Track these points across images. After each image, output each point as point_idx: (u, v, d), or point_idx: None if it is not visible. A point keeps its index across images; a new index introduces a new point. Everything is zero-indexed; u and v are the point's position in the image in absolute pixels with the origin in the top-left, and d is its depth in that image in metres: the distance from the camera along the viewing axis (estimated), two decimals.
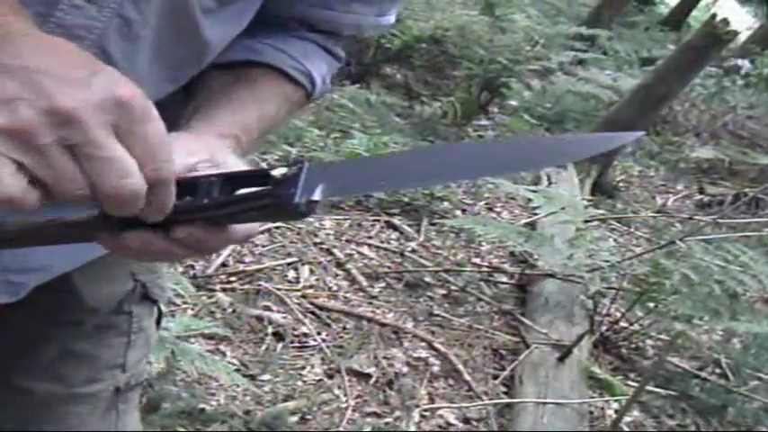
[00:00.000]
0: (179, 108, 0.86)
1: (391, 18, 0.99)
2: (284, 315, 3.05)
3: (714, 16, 5.06)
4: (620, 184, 6.06)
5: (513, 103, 6.20)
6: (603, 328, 3.52)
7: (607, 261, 3.57)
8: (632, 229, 5.02)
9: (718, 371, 3.53)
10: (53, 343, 0.99)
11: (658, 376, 3.34)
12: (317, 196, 0.63)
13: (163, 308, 1.12)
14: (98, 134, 0.56)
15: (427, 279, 3.64)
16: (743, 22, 18.10)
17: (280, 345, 2.91)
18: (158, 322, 1.12)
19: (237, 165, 0.72)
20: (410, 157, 0.71)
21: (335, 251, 3.61)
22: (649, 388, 3.21)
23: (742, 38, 15.31)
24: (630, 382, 3.25)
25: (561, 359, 3.03)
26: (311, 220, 3.80)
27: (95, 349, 1.02)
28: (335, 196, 0.60)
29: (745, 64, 8.62)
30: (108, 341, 1.03)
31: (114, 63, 0.73)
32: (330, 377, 2.82)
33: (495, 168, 0.72)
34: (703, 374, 3.44)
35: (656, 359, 3.43)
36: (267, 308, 3.07)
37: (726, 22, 4.92)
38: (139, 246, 0.64)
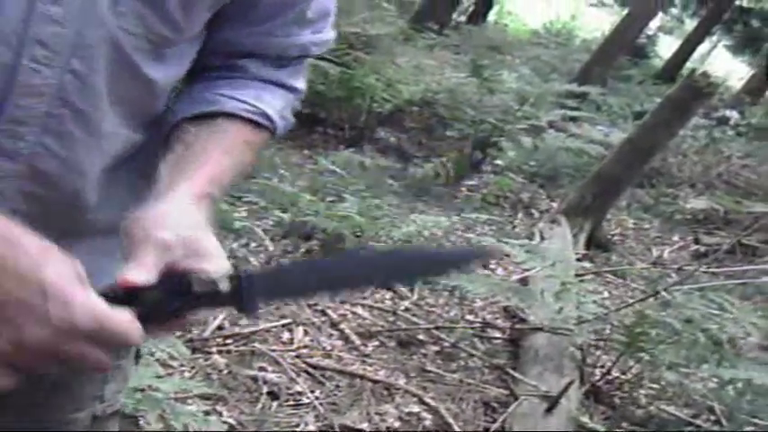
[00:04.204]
0: (151, 157, 1.01)
1: (329, 34, 1.13)
2: (279, 375, 3.14)
3: (694, 70, 5.20)
4: (616, 238, 6.14)
5: (502, 162, 6.32)
6: (595, 378, 3.60)
7: (594, 313, 3.66)
8: (628, 282, 5.10)
9: (712, 418, 3.58)
10: (46, 378, 1.10)
11: (650, 423, 3.41)
12: (257, 307, 0.84)
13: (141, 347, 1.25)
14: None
15: (420, 336, 3.72)
16: (736, 72, 18.34)
17: (275, 403, 2.99)
18: (137, 357, 1.25)
19: (210, 246, 0.89)
20: (337, 265, 0.90)
21: (329, 312, 3.70)
22: None
23: (737, 86, 15.51)
24: (620, 431, 3.31)
25: (549, 409, 3.11)
26: None
27: (79, 383, 1.14)
28: (272, 302, 0.76)
29: (733, 114, 8.76)
30: (89, 376, 1.14)
31: (78, 111, 0.90)
32: None
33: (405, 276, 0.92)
34: (697, 422, 3.50)
35: (648, 408, 3.50)
36: (262, 368, 3.16)
37: (706, 75, 5.05)
38: None
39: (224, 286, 0.82)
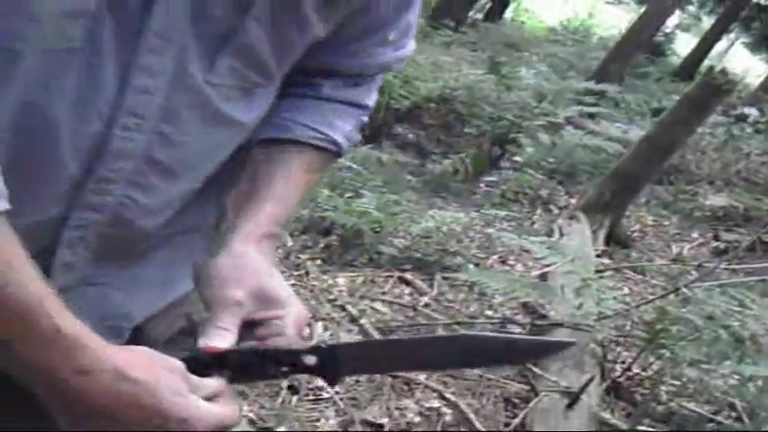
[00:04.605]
0: (225, 181, 1.04)
1: (410, 47, 1.14)
2: None
3: (712, 68, 5.17)
4: (635, 234, 6.12)
5: (521, 159, 6.31)
6: (616, 374, 3.59)
7: (614, 310, 3.65)
8: (648, 278, 5.08)
9: (734, 414, 3.56)
10: None
11: (672, 420, 3.40)
12: (339, 379, 0.90)
13: None
14: None
15: (440, 332, 3.71)
16: (754, 70, 18.25)
17: (295, 398, 2.99)
18: None
19: (279, 291, 0.95)
20: (419, 344, 0.96)
21: (349, 307, 3.70)
22: None
23: (755, 83, 15.44)
24: (641, 427, 3.30)
25: (570, 405, 3.10)
26: (325, 277, 3.92)
27: None
28: (353, 375, 0.85)
29: (752, 112, 8.71)
30: None
31: (164, 165, 0.91)
32: (344, 429, 2.90)
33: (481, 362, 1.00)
34: (719, 418, 3.48)
35: (669, 404, 3.49)
36: None
37: (724, 72, 5.02)
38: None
39: (308, 360, 0.88)
